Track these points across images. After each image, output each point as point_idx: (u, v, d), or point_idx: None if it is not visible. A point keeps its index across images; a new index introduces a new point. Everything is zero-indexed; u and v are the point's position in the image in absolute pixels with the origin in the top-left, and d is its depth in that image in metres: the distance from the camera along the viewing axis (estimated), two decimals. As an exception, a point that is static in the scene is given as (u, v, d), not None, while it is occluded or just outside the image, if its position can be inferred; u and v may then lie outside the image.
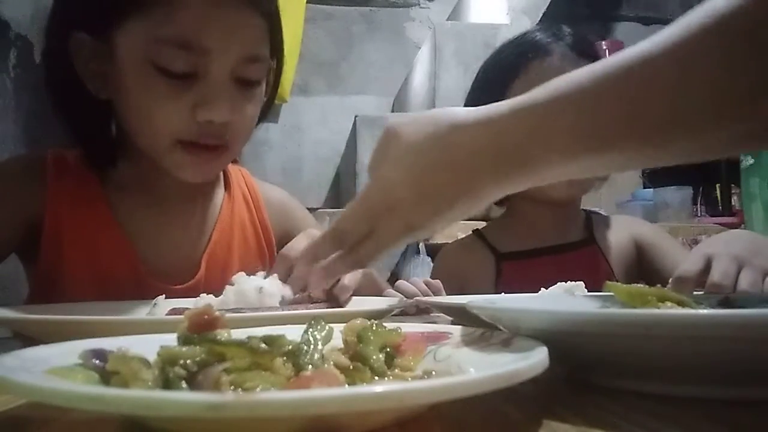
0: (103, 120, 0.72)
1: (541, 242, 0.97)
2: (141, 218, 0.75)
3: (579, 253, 0.96)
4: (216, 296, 0.59)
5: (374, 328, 0.32)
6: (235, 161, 0.85)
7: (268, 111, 0.81)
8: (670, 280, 0.62)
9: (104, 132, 0.73)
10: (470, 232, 1.08)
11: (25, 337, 0.53)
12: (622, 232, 1.01)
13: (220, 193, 0.83)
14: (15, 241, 0.72)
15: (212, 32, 0.64)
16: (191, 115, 0.65)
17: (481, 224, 2.28)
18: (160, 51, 0.63)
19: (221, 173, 0.84)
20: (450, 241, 2.05)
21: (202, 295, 0.60)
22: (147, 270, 0.73)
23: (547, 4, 2.23)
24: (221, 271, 0.77)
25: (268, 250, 0.84)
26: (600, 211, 1.22)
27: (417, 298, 0.64)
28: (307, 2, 2.54)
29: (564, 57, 0.91)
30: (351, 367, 0.28)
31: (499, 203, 1.08)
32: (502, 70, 0.95)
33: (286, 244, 0.67)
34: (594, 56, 0.94)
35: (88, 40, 0.67)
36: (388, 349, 0.31)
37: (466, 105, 1.03)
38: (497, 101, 1.00)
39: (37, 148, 0.78)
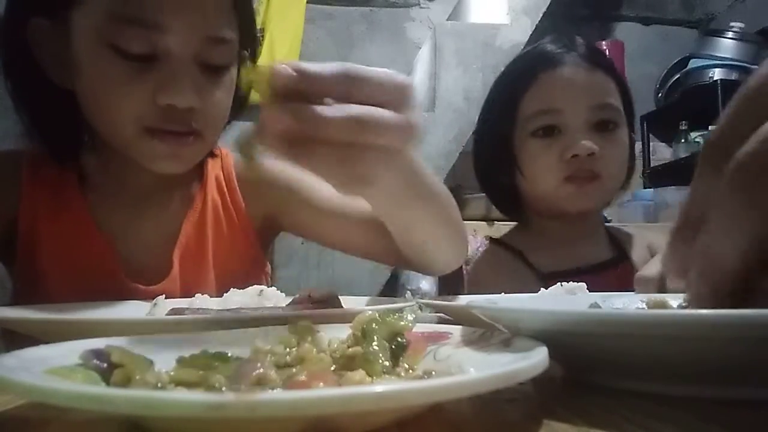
0: (66, 112, 0.68)
1: (577, 261, 0.93)
2: (116, 215, 0.73)
3: (616, 271, 0.93)
4: (212, 296, 0.59)
5: (380, 318, 0.31)
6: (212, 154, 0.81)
7: (245, 105, 0.78)
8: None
9: (68, 125, 0.70)
10: (488, 243, 1.03)
11: (10, 334, 0.53)
12: (641, 244, 0.99)
13: (194, 183, 0.79)
14: None
15: (169, 9, 0.61)
16: (152, 100, 0.62)
17: (481, 224, 2.26)
18: (116, 30, 0.61)
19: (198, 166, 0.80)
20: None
21: (197, 295, 0.60)
22: (124, 268, 0.71)
23: (548, 4, 2.23)
24: (196, 265, 0.75)
25: (244, 235, 0.79)
26: (602, 213, 1.21)
27: (417, 298, 0.64)
28: (307, 2, 2.54)
29: (576, 67, 0.90)
30: (362, 352, 0.28)
31: (513, 216, 1.04)
32: (514, 82, 0.95)
33: (274, 221, 0.62)
34: (607, 67, 0.93)
35: (46, 25, 0.65)
36: (399, 339, 0.31)
37: (480, 117, 1.03)
38: (510, 113, 0.99)
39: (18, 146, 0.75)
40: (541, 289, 0.91)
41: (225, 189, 0.80)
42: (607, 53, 2.91)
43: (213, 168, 0.81)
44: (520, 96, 0.92)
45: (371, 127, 0.37)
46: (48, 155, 0.72)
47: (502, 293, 0.81)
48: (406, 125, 0.39)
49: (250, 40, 0.73)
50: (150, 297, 0.63)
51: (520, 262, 0.96)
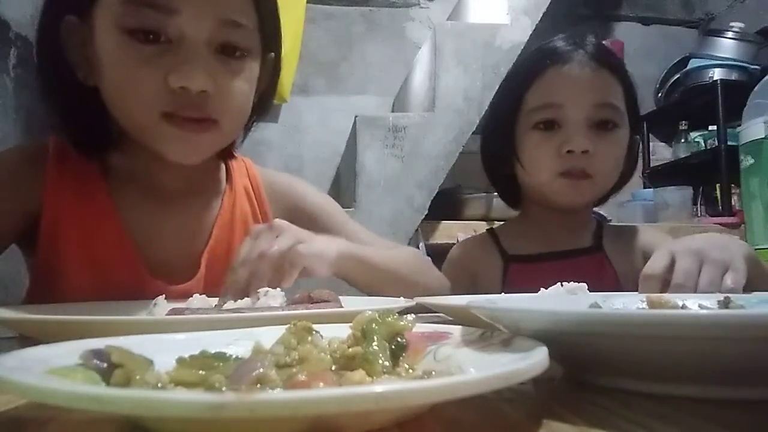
0: (92, 108, 0.70)
1: (550, 247, 0.98)
2: (142, 212, 0.74)
3: (585, 260, 0.97)
4: (209, 296, 0.60)
5: (380, 318, 0.31)
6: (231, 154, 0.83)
7: (268, 106, 0.80)
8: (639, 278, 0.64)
9: (94, 121, 0.71)
10: (484, 231, 1.10)
11: (25, 336, 0.53)
12: (632, 242, 1.01)
13: (221, 186, 0.81)
14: (15, 232, 0.72)
15: None
16: (165, 83, 0.63)
17: (480, 224, 2.27)
18: (129, 13, 0.62)
19: (223, 166, 0.82)
20: (451, 242, 2.06)
21: (195, 295, 0.60)
22: (147, 267, 0.72)
23: (547, 4, 2.23)
24: (222, 270, 0.76)
25: None
26: (601, 212, 1.23)
27: (418, 298, 0.65)
28: (307, 2, 2.54)
29: (582, 65, 0.92)
30: (363, 352, 0.28)
31: (514, 206, 1.09)
32: (522, 76, 0.98)
33: None
34: (614, 66, 0.95)
35: (76, 24, 0.67)
36: (399, 339, 0.31)
37: (490, 109, 1.05)
38: (515, 105, 1.03)
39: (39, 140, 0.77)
40: (503, 270, 0.98)
41: (255, 201, 0.83)
42: (607, 53, 2.91)
43: (240, 177, 0.83)
44: (525, 89, 0.95)
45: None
46: (74, 150, 0.73)
47: (463, 273, 0.89)
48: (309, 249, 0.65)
49: (273, 40, 0.74)
50: (174, 296, 0.63)
51: (492, 245, 1.03)
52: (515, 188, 1.03)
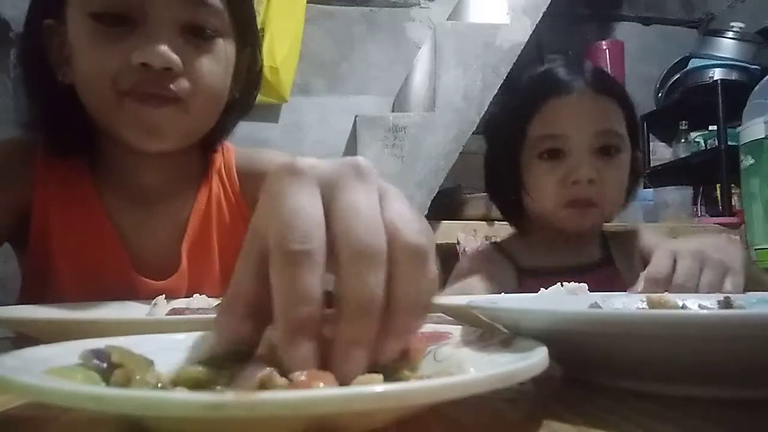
0: (72, 108, 0.69)
1: (561, 261, 0.97)
2: (124, 209, 0.74)
3: (598, 274, 0.97)
4: (209, 296, 0.59)
5: None
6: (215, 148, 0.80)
7: (251, 101, 0.79)
8: (641, 276, 0.64)
9: (74, 119, 0.71)
10: (487, 243, 1.11)
11: (25, 336, 0.53)
12: (632, 246, 1.01)
13: (198, 178, 0.80)
14: (5, 229, 0.72)
15: None
16: (129, 62, 0.62)
17: (481, 224, 2.26)
18: None
19: (203, 162, 0.81)
20: (451, 242, 2.05)
21: (195, 295, 0.60)
22: (133, 263, 0.72)
23: (547, 4, 2.23)
24: (202, 259, 0.75)
25: (245, 225, 0.80)
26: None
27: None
28: (307, 2, 2.54)
29: (582, 94, 0.93)
30: None
31: (521, 230, 1.08)
32: (523, 105, 0.98)
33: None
34: (613, 91, 0.96)
35: (53, 26, 0.68)
36: None
37: (487, 128, 1.05)
38: (519, 135, 1.03)
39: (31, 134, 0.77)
40: (517, 282, 0.97)
41: (226, 180, 0.81)
42: (607, 53, 2.92)
43: (215, 161, 0.81)
44: (527, 121, 0.95)
45: None
46: (54, 149, 0.72)
47: (478, 284, 0.86)
48: None
49: (248, 32, 0.74)
50: (158, 292, 0.63)
51: (499, 255, 1.03)
52: (518, 210, 1.03)
